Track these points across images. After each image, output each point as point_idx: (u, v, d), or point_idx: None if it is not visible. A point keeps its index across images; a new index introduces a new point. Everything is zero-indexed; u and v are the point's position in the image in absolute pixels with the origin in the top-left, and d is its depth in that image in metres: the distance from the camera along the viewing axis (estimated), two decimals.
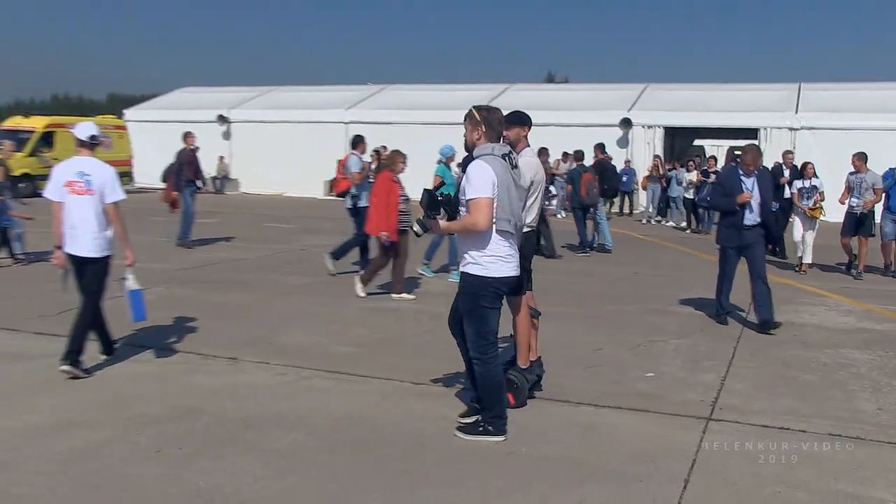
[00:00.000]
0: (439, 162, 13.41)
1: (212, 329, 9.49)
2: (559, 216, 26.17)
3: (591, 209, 17.74)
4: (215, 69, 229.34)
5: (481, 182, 5.74)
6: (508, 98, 35.06)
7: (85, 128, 7.71)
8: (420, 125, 33.28)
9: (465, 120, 6.09)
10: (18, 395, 6.95)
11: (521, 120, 7.01)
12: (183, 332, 9.33)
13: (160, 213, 19.45)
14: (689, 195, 23.63)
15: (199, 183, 17.61)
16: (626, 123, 31.30)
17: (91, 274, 7.67)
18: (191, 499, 4.99)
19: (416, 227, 6.18)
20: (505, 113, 6.43)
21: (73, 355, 7.47)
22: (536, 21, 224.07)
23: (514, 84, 37.89)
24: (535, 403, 6.95)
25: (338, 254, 13.66)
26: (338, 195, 14.23)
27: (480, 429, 6.13)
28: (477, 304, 5.93)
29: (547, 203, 17.72)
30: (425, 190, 6.05)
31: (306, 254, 16.47)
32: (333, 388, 7.29)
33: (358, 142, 14.19)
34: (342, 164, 13.90)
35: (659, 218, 26.81)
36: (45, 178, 27.46)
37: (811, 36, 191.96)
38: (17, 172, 29.48)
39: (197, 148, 17.67)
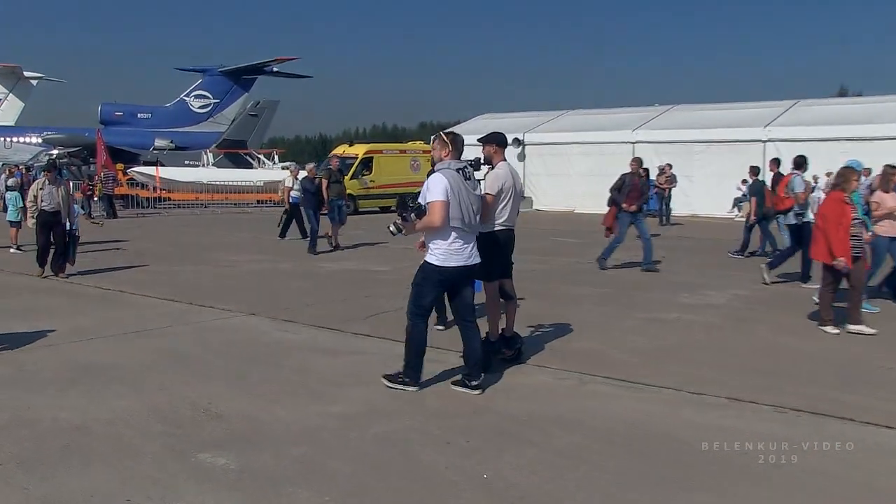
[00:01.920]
0: None
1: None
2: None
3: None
4: (514, 96, 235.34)
5: (436, 189, 6.91)
6: (796, 114, 33.07)
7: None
8: (702, 144, 32.29)
9: (435, 141, 7.33)
10: (336, 385, 7.48)
11: (493, 139, 8.27)
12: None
13: None
14: None
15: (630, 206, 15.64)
16: None
17: None
18: (473, 487, 5.15)
19: (392, 227, 7.18)
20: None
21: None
22: (828, 35, 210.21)
23: (801, 100, 35.66)
24: (813, 418, 6.52)
25: (774, 263, 13.90)
26: (777, 212, 14.44)
27: (399, 379, 7.28)
28: (422, 282, 7.15)
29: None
30: (399, 195, 7.26)
31: (593, 266, 16.45)
32: (611, 394, 7.24)
33: (801, 162, 14.04)
34: (784, 184, 13.85)
35: None
36: (365, 197, 29.35)
37: None
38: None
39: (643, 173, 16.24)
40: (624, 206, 15.46)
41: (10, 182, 22.21)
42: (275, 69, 63.93)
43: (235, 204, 39.57)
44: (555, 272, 15.69)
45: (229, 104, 62.76)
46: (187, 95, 62.30)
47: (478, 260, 7.26)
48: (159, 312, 11.13)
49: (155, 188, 38.94)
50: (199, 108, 62.09)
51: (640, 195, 15.64)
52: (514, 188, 8.22)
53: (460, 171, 7.11)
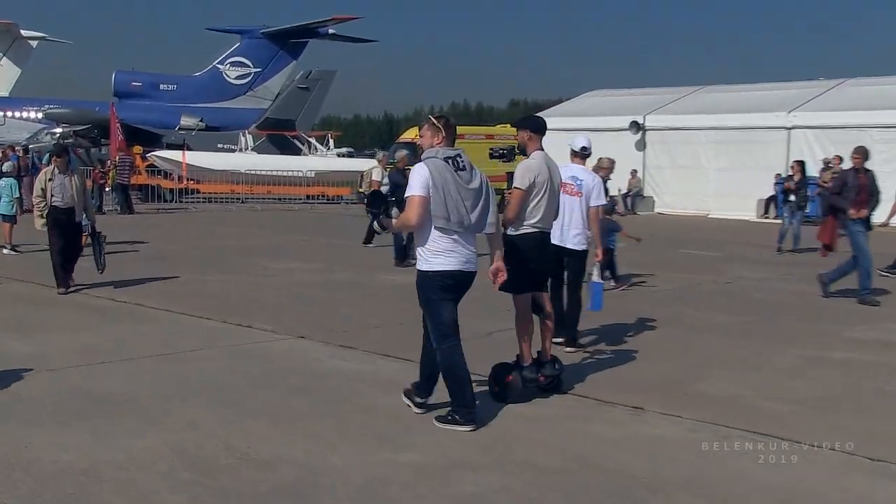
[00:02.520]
0: None
1: (615, 370, 9.66)
2: None
3: None
4: (631, 69, 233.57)
5: (415, 182, 7.46)
6: None
7: (578, 140, 10.74)
8: (884, 129, 31.54)
9: (424, 127, 7.90)
10: (405, 428, 7.51)
11: (526, 124, 9.01)
12: (582, 371, 9.58)
13: None
14: None
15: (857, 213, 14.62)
16: None
17: (574, 264, 10.63)
18: None
19: (376, 226, 7.99)
20: None
21: (572, 333, 10.59)
22: None
23: None
24: None
25: None
26: None
27: (449, 418, 7.58)
28: (426, 296, 7.67)
29: None
30: (375, 190, 7.89)
31: (733, 287, 16.22)
32: (758, 454, 7.08)
33: None
34: None
35: None
36: None
37: None
38: None
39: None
40: (851, 213, 14.65)
41: (6, 167, 22.79)
42: (331, 31, 64.73)
43: (280, 199, 40.13)
44: (681, 293, 15.52)
45: (274, 74, 63.76)
46: (222, 63, 63.49)
47: (476, 266, 7.70)
48: (185, 331, 11.36)
49: (180, 177, 39.66)
50: (237, 78, 63.22)
51: (869, 197, 14.76)
52: (551, 183, 8.72)
53: (450, 161, 7.58)
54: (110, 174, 33.28)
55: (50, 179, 14.32)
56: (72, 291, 14.24)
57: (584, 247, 10.63)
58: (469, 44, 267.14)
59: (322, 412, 7.94)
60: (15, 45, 62.09)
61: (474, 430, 7.45)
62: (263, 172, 41.00)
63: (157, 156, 41.40)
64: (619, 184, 37.05)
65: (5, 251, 19.13)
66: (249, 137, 50.31)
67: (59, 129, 51.17)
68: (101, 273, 14.74)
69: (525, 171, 8.64)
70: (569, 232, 10.47)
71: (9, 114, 56.91)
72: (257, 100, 62.15)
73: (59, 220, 14.30)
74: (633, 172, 37.65)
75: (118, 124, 39.67)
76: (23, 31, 62.18)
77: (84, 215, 14.68)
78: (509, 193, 8.80)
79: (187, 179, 39.76)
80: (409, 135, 36.83)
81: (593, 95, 44.82)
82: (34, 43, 64.23)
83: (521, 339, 8.72)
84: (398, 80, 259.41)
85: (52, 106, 55.89)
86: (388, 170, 20.80)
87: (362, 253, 19.66)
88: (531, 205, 8.58)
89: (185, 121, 57.35)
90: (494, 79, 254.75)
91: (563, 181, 10.17)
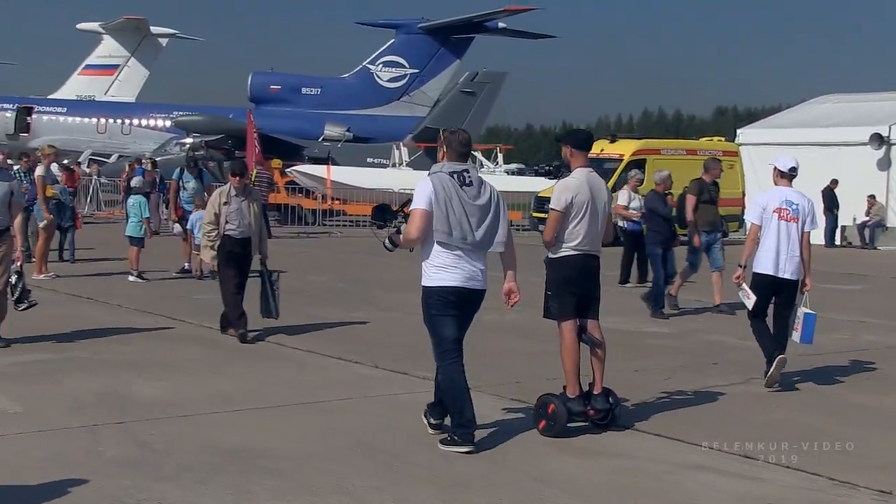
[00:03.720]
0: None
1: (856, 444, 9.41)
2: None
3: None
4: (874, 67, 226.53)
5: (418, 196, 8.65)
6: None
7: (785, 161, 11.84)
8: None
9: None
10: (584, 501, 7.56)
11: (568, 139, 9.89)
12: (810, 443, 9.36)
13: None
14: None
15: None
16: None
17: (790, 295, 11.66)
18: None
19: (387, 242, 9.12)
20: None
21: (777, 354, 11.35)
22: None
23: None
24: None
25: None
26: None
27: (449, 439, 8.66)
28: (428, 312, 8.85)
29: None
30: (380, 203, 8.59)
31: None
32: None
33: None
34: None
35: None
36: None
37: None
38: None
39: None
40: None
41: (135, 182, 23.29)
42: (501, 25, 64.81)
43: None
44: None
45: (433, 76, 64.07)
46: (373, 63, 64.20)
47: (483, 285, 8.81)
48: (332, 377, 11.68)
49: (324, 196, 40.50)
50: (390, 80, 63.82)
51: None
52: (592, 203, 9.46)
53: (455, 176, 8.72)
54: None
55: (225, 203, 13.79)
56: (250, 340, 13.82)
57: (799, 276, 11.65)
58: (663, 39, 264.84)
59: (492, 479, 8.03)
60: (144, 44, 64.50)
61: (473, 451, 8.49)
62: None
63: (297, 171, 42.34)
64: (853, 210, 36.26)
65: (131, 278, 19.85)
66: (404, 151, 50.55)
67: (188, 140, 52.32)
68: (277, 318, 14.31)
69: (562, 190, 9.50)
70: (787, 261, 11.55)
71: (134, 122, 58.99)
72: (414, 106, 62.59)
73: (235, 252, 13.93)
74: (872, 197, 36.51)
75: (256, 134, 40.48)
76: (153, 28, 64.42)
77: (259, 247, 14.25)
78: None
79: (332, 199, 40.48)
80: (594, 149, 36.64)
81: (823, 101, 43.76)
82: (164, 41, 66.57)
83: (567, 370, 9.50)
84: (579, 84, 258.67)
85: (181, 112, 57.27)
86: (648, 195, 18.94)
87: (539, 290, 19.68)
88: (570, 226, 9.42)
89: (330, 130, 58.09)
90: (697, 81, 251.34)
91: (778, 206, 11.65)
